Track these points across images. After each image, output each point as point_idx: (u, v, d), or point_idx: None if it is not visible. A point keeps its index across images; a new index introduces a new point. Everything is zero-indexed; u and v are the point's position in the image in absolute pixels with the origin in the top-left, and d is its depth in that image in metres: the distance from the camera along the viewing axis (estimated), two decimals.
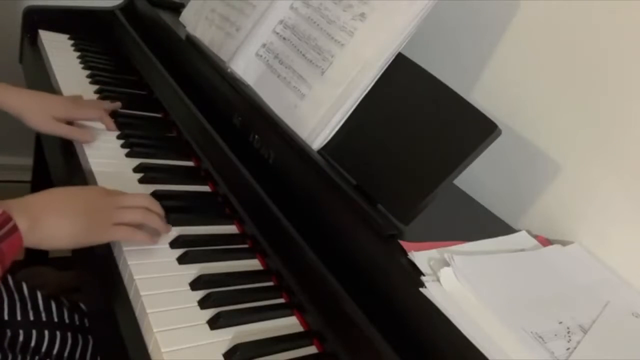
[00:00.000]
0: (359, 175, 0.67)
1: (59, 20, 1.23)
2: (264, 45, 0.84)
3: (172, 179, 0.82)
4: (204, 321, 0.58)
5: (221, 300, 0.61)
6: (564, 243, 0.76)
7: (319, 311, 0.61)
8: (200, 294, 0.61)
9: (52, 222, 0.59)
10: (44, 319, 0.77)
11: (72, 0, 1.28)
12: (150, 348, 0.55)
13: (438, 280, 0.57)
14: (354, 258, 0.63)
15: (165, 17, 1.11)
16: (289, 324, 0.63)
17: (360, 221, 0.63)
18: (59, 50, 1.14)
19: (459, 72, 0.95)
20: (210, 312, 0.59)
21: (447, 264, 0.58)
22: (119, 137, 0.88)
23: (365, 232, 0.62)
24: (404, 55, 0.70)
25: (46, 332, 0.76)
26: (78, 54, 1.16)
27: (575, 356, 0.54)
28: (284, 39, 0.81)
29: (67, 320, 0.79)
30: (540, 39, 0.87)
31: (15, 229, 0.55)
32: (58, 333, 0.77)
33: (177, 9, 1.16)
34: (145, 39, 1.10)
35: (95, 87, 1.04)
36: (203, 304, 0.60)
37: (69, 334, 0.78)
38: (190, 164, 0.88)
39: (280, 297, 0.66)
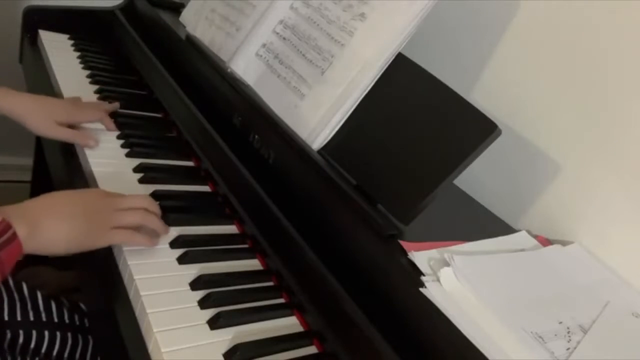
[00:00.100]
0: (359, 175, 0.67)
1: (59, 20, 1.23)
2: (264, 45, 0.84)
3: (172, 179, 0.82)
4: (204, 321, 0.58)
5: (221, 300, 0.61)
6: (564, 243, 0.76)
7: (319, 311, 0.61)
8: (200, 294, 0.61)
9: (51, 227, 0.59)
10: (44, 319, 0.77)
11: (72, 0, 1.28)
12: (150, 348, 0.55)
13: (438, 280, 0.57)
14: (354, 258, 0.63)
15: (165, 17, 1.11)
16: (289, 324, 0.63)
17: (360, 221, 0.63)
18: (59, 50, 1.14)
19: (459, 72, 0.95)
20: (210, 312, 0.59)
21: (447, 264, 0.58)
22: (119, 137, 0.88)
23: (365, 232, 0.62)
24: (404, 55, 0.70)
25: (46, 333, 0.76)
26: (78, 54, 1.16)
27: (575, 356, 0.54)
28: (284, 39, 0.81)
29: (67, 321, 0.79)
30: (540, 39, 0.87)
31: (14, 236, 0.54)
32: (58, 333, 0.77)
33: (177, 9, 1.16)
34: (145, 39, 1.10)
35: (95, 87, 1.04)
36: (203, 304, 0.60)
37: (69, 334, 0.78)
38: (190, 164, 0.88)
39: (280, 297, 0.66)
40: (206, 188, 0.83)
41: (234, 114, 0.85)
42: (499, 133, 0.60)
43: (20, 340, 0.73)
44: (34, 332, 0.74)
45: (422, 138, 0.64)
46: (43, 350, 0.75)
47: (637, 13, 0.75)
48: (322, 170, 0.68)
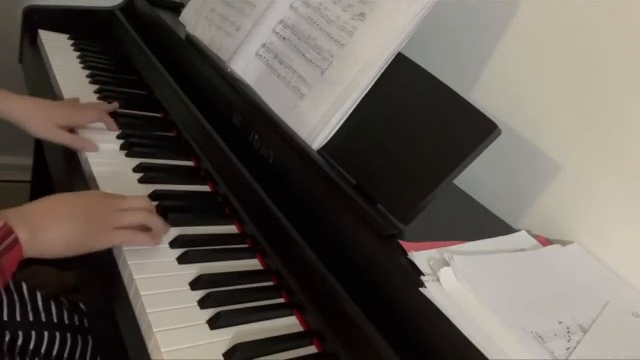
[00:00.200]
0: (359, 175, 0.67)
1: (59, 20, 1.23)
2: (264, 45, 0.84)
3: (172, 179, 0.82)
4: (204, 321, 0.58)
5: (221, 300, 0.61)
6: (564, 243, 0.76)
7: (319, 311, 0.61)
8: (200, 294, 0.61)
9: (52, 231, 0.58)
10: (43, 320, 0.76)
11: (72, 0, 1.28)
12: (150, 348, 0.55)
13: (438, 280, 0.57)
14: (354, 258, 0.63)
15: (165, 17, 1.11)
16: (289, 324, 0.63)
17: (360, 221, 0.63)
18: (59, 50, 1.14)
19: (459, 72, 0.95)
20: (210, 312, 0.59)
21: (447, 264, 0.58)
22: (119, 137, 0.88)
23: (365, 232, 0.62)
24: (404, 55, 0.70)
25: (46, 334, 0.75)
26: (78, 54, 1.16)
27: (575, 356, 0.54)
28: (284, 39, 0.81)
29: (67, 321, 0.79)
30: (540, 39, 0.87)
31: (16, 242, 0.54)
32: (58, 334, 0.77)
33: (177, 9, 1.16)
34: (145, 39, 1.10)
35: (95, 87, 1.04)
36: (203, 304, 0.60)
37: (69, 335, 0.78)
38: (190, 164, 0.88)
39: (280, 297, 0.66)
40: (206, 188, 0.83)
41: (234, 114, 0.85)
42: (499, 133, 0.60)
43: (20, 341, 0.73)
44: (34, 333, 0.74)
45: (422, 138, 0.64)
46: (43, 351, 0.75)
47: (637, 13, 0.75)
48: (322, 170, 0.68)
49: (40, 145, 1.25)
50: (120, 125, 0.90)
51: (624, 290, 0.71)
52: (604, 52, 0.79)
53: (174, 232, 0.69)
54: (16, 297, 0.76)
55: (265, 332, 0.59)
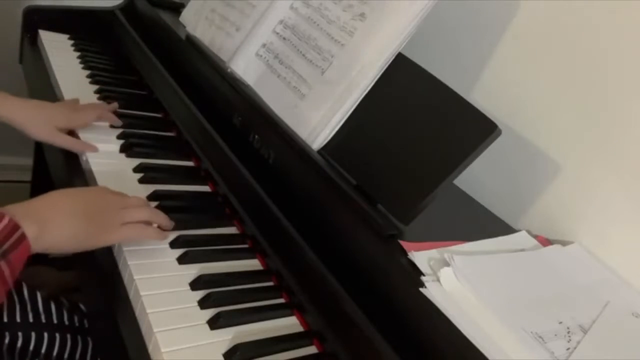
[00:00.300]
0: (359, 175, 0.67)
1: (59, 20, 1.23)
2: (264, 45, 0.84)
3: (172, 179, 0.82)
4: (204, 321, 0.58)
5: (221, 300, 0.61)
6: (564, 243, 0.76)
7: (319, 311, 0.61)
8: (200, 294, 0.61)
9: (59, 226, 0.58)
10: (43, 320, 0.76)
11: (72, 0, 1.28)
12: (150, 348, 0.55)
13: (438, 280, 0.57)
14: (354, 258, 0.63)
15: (165, 17, 1.11)
16: (289, 324, 0.63)
17: (360, 221, 0.63)
18: (59, 50, 1.14)
19: (459, 72, 0.95)
20: (210, 312, 0.59)
21: (447, 264, 0.58)
22: (119, 137, 0.88)
23: (365, 232, 0.62)
24: (404, 55, 0.70)
25: (45, 335, 0.75)
26: (78, 54, 1.16)
27: (575, 356, 0.54)
28: (284, 39, 0.81)
29: (66, 322, 0.79)
30: (540, 39, 0.87)
31: (23, 237, 0.53)
32: (57, 335, 0.76)
33: (177, 9, 1.16)
34: (145, 39, 1.10)
35: (95, 87, 1.04)
36: (203, 304, 0.60)
37: (69, 336, 0.78)
38: (190, 164, 0.88)
39: (280, 297, 0.66)
40: (206, 188, 0.83)
41: (234, 114, 0.85)
42: (499, 133, 0.60)
43: (20, 342, 0.73)
44: (33, 334, 0.74)
45: (422, 138, 0.64)
46: (42, 352, 0.75)
47: (637, 13, 0.75)
48: (322, 170, 0.68)
49: (40, 145, 1.25)
50: (120, 125, 0.90)
51: (624, 290, 0.71)
52: (604, 52, 0.79)
53: (174, 232, 0.69)
54: (16, 298, 0.76)
55: (265, 332, 0.59)
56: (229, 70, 0.85)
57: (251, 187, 0.72)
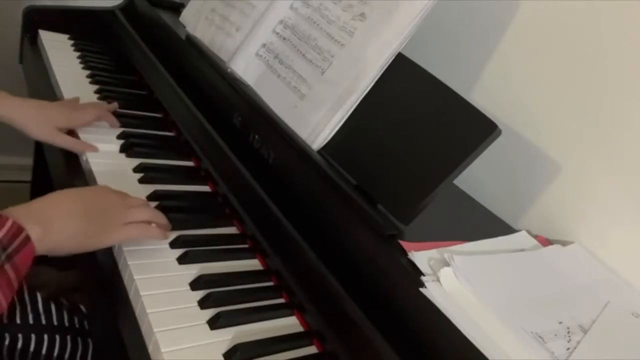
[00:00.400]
0: (359, 175, 0.67)
1: (59, 20, 1.23)
2: (264, 45, 0.84)
3: (172, 179, 0.82)
4: (204, 321, 0.58)
5: (221, 300, 0.61)
6: (564, 243, 0.76)
7: (319, 311, 0.61)
8: (200, 294, 0.61)
9: (63, 227, 0.58)
10: (43, 322, 0.76)
11: (72, 0, 1.28)
12: (150, 348, 0.55)
13: (438, 280, 0.57)
14: (354, 258, 0.63)
15: (165, 17, 1.11)
16: (289, 324, 0.63)
17: (360, 221, 0.62)
18: (59, 50, 1.14)
19: (459, 72, 0.95)
20: (210, 312, 0.59)
21: (447, 264, 0.58)
22: (119, 137, 0.88)
23: (365, 232, 0.62)
24: (404, 55, 0.70)
25: (45, 336, 0.75)
26: (78, 54, 1.16)
27: (575, 356, 0.54)
28: (284, 39, 0.81)
29: (66, 324, 0.79)
30: (540, 39, 0.87)
31: (27, 239, 0.53)
32: (57, 337, 0.76)
33: (177, 9, 1.16)
34: (145, 39, 1.10)
35: (95, 87, 1.04)
36: (203, 304, 0.60)
37: (69, 338, 0.78)
38: (190, 164, 0.88)
39: (280, 297, 0.66)
40: (206, 188, 0.83)
41: (234, 114, 0.85)
42: (499, 133, 0.60)
43: (20, 344, 0.72)
44: (33, 336, 0.74)
45: (422, 138, 0.64)
46: (43, 354, 0.74)
47: (637, 13, 0.75)
48: (322, 170, 0.68)
49: (40, 145, 1.25)
50: (120, 125, 0.90)
51: (624, 290, 0.71)
52: (604, 52, 0.79)
53: (174, 232, 0.69)
54: (16, 300, 0.75)
55: (265, 332, 0.59)
56: (229, 70, 0.85)
57: (251, 187, 0.72)
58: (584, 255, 0.75)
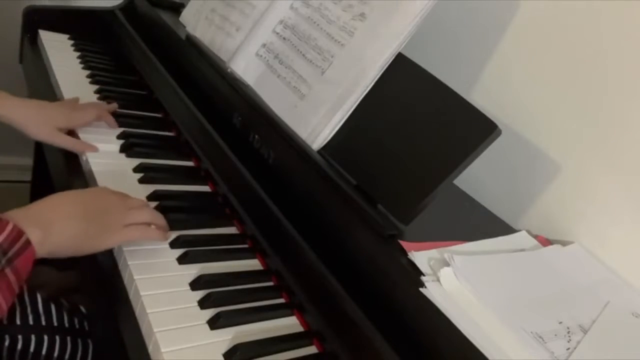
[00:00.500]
0: (359, 175, 0.67)
1: (59, 20, 1.23)
2: (264, 45, 0.84)
3: (172, 179, 0.82)
4: (204, 321, 0.58)
5: (221, 300, 0.61)
6: (564, 243, 0.76)
7: (319, 311, 0.61)
8: (200, 294, 0.61)
9: (64, 230, 0.57)
10: (43, 323, 0.76)
11: (72, 0, 1.28)
12: (150, 348, 0.55)
13: (438, 280, 0.57)
14: (354, 258, 0.63)
15: (165, 17, 1.11)
16: (289, 324, 0.63)
17: (360, 221, 0.62)
18: (59, 50, 1.14)
19: (459, 72, 0.95)
20: (210, 312, 0.59)
21: (447, 264, 0.58)
22: (119, 137, 0.88)
23: (365, 232, 0.62)
24: (404, 55, 0.70)
25: (45, 337, 0.75)
26: (78, 54, 1.16)
27: (575, 356, 0.54)
28: (284, 39, 0.81)
29: (66, 325, 0.79)
30: (540, 39, 0.87)
31: (28, 243, 0.53)
32: (57, 338, 0.76)
33: (177, 9, 1.16)
34: (145, 39, 1.10)
35: (95, 87, 1.04)
36: (203, 304, 0.60)
37: (69, 339, 0.78)
38: (190, 164, 0.88)
39: (280, 297, 0.66)
40: (206, 188, 0.83)
41: (234, 114, 0.85)
42: (499, 133, 0.60)
43: (20, 345, 0.72)
44: (33, 337, 0.74)
45: (422, 138, 0.64)
46: (42, 355, 0.74)
47: (637, 13, 0.75)
48: (322, 170, 0.68)
49: (40, 145, 1.25)
50: (120, 125, 0.90)
51: (624, 290, 0.71)
52: (604, 52, 0.79)
53: (174, 232, 0.69)
54: (16, 300, 0.75)
55: (265, 332, 0.59)
56: (229, 70, 0.85)
57: (251, 187, 0.72)
58: (584, 255, 0.75)
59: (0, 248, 0.50)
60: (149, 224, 0.66)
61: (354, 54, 0.72)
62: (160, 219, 0.67)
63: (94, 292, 0.71)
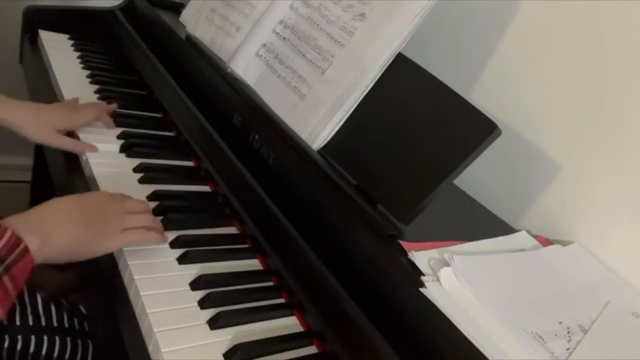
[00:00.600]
0: (359, 175, 0.67)
1: (59, 20, 1.23)
2: (264, 45, 0.84)
3: (172, 179, 0.82)
4: (204, 321, 0.58)
5: (221, 300, 0.61)
6: (564, 243, 0.76)
7: (319, 311, 0.61)
8: (200, 294, 0.61)
9: (62, 236, 0.57)
10: (43, 323, 0.76)
11: (72, 0, 1.28)
12: (150, 348, 0.55)
13: (438, 280, 0.57)
14: (354, 258, 0.63)
15: (165, 17, 1.11)
16: (289, 324, 0.63)
17: (360, 221, 0.62)
18: (59, 50, 1.14)
19: (459, 72, 0.95)
20: (210, 312, 0.59)
21: (447, 264, 0.58)
22: (119, 137, 0.88)
23: (365, 232, 0.62)
24: (404, 55, 0.70)
25: (45, 338, 0.75)
26: (78, 54, 1.16)
27: (575, 356, 0.54)
28: (284, 39, 0.81)
29: (66, 325, 0.79)
30: (540, 39, 0.87)
31: (26, 250, 0.53)
32: (57, 338, 0.76)
33: (177, 9, 1.16)
34: (145, 39, 1.10)
35: (95, 87, 1.04)
36: (203, 304, 0.60)
37: (69, 339, 0.77)
38: (190, 164, 0.88)
39: (280, 297, 0.66)
40: (206, 188, 0.83)
41: (234, 114, 0.85)
42: (499, 133, 0.60)
43: (19, 345, 0.72)
44: (33, 337, 0.74)
45: (422, 138, 0.64)
46: (42, 355, 0.74)
47: (637, 13, 0.75)
48: (322, 170, 0.68)
49: (40, 146, 1.25)
50: (120, 125, 0.90)
51: (624, 290, 0.71)
52: (604, 52, 0.79)
53: (174, 232, 0.69)
54: (16, 301, 0.75)
55: (265, 332, 0.59)
56: (229, 70, 0.85)
57: (251, 187, 0.72)
58: (584, 255, 0.75)
59: None
60: (147, 227, 0.65)
61: (354, 54, 0.72)
62: (157, 222, 0.67)
63: (94, 292, 0.71)
